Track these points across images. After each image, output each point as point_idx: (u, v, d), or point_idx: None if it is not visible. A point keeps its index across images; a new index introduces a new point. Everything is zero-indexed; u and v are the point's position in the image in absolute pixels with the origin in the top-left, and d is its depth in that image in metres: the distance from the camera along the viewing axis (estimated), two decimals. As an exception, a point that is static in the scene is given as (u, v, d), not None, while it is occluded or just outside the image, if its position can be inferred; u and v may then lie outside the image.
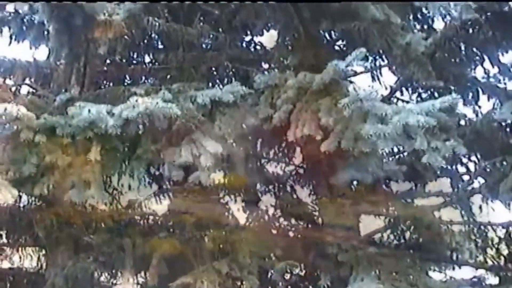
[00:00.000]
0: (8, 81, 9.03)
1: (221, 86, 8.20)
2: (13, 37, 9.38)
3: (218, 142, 6.33)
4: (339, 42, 9.57)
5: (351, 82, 8.40)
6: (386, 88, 9.93)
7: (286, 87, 6.74)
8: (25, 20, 9.29)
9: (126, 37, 8.27)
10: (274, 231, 9.43)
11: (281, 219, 9.60)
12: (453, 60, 9.24)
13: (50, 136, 6.20)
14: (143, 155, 6.38)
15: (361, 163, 6.82)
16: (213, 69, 9.37)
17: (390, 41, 7.73)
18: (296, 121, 6.52)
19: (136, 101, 6.16)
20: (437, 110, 5.99)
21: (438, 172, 9.00)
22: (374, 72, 9.78)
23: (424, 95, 10.04)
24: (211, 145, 6.18)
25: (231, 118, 6.78)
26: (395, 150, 8.47)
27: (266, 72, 8.73)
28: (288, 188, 10.33)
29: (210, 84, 8.75)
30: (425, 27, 9.60)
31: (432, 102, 6.11)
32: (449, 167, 9.13)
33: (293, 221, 9.60)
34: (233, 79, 9.11)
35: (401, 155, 8.63)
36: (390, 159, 8.60)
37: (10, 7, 9.26)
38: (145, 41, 9.57)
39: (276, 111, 6.74)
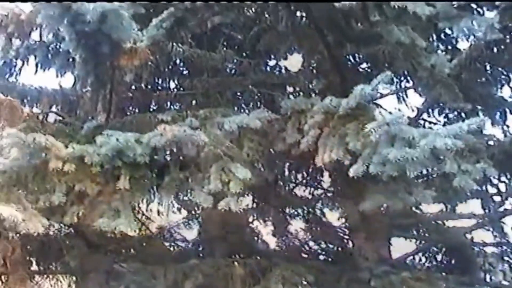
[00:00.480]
0: (35, 110, 9.11)
1: (247, 112, 8.19)
2: (39, 65, 9.49)
3: (247, 168, 6.28)
4: (364, 65, 9.55)
5: (378, 105, 8.36)
6: (412, 110, 9.89)
7: (312, 112, 6.70)
8: (50, 48, 9.40)
9: (150, 63, 8.35)
10: (305, 256, 9.39)
11: (311, 243, 9.55)
12: (479, 80, 9.18)
13: (79, 165, 6.19)
14: (172, 183, 6.35)
15: (390, 188, 6.74)
16: (238, 94, 9.38)
17: (416, 64, 7.67)
18: (324, 146, 6.47)
19: (164, 129, 6.16)
20: (465, 133, 5.90)
21: (469, 194, 8.90)
22: (400, 93, 9.75)
23: (451, 116, 9.98)
24: (240, 171, 6.14)
25: (259, 144, 6.77)
26: (424, 172, 8.38)
27: (292, 97, 8.75)
28: (318, 212, 10.31)
29: (236, 109, 8.79)
30: (449, 47, 9.54)
31: (460, 124, 6.02)
32: (479, 188, 9.00)
33: (323, 245, 9.55)
34: (259, 103, 9.14)
35: (431, 177, 8.53)
36: (420, 182, 8.50)
37: (35, 36, 9.38)
38: (170, 67, 9.63)
39: (303, 136, 6.70)
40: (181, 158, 6.48)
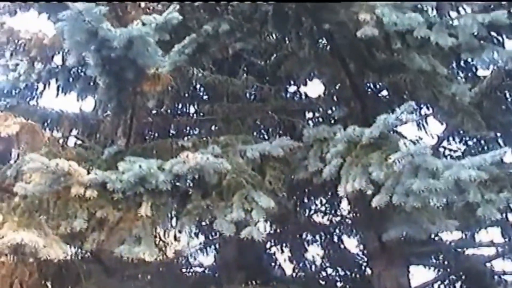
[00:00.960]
0: (55, 133, 9.13)
1: (267, 138, 8.20)
2: (60, 89, 9.54)
3: (269, 197, 6.25)
4: (384, 92, 9.53)
5: (400, 135, 8.31)
6: (432, 137, 9.84)
7: (335, 141, 6.67)
8: (72, 72, 9.45)
9: (171, 89, 8.37)
10: (322, 282, 9.31)
11: (329, 270, 9.48)
12: (500, 108, 9.12)
13: (101, 191, 6.18)
14: (194, 211, 6.31)
15: (413, 218, 6.68)
16: (259, 120, 9.37)
17: (437, 92, 7.67)
18: (347, 175, 6.41)
19: (187, 156, 6.15)
20: (489, 164, 5.87)
21: (488, 222, 8.81)
22: (420, 121, 9.71)
23: (470, 143, 9.93)
24: (263, 199, 6.11)
25: (281, 172, 6.74)
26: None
27: (311, 124, 8.74)
28: (336, 238, 10.24)
29: (256, 136, 8.79)
30: (469, 75, 9.52)
31: (484, 156, 5.98)
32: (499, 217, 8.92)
33: (341, 271, 9.48)
34: (279, 130, 9.12)
35: (453, 206, 8.46)
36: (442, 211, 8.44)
37: (57, 59, 9.45)
38: (190, 92, 9.66)
39: (326, 165, 6.66)
40: (203, 185, 6.46)
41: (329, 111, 8.98)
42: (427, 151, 6.05)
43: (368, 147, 6.47)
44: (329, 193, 9.24)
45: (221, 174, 6.35)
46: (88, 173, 6.29)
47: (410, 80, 7.81)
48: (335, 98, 8.83)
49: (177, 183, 6.27)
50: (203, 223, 8.27)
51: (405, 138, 7.86)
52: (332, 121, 8.73)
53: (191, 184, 6.46)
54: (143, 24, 6.40)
